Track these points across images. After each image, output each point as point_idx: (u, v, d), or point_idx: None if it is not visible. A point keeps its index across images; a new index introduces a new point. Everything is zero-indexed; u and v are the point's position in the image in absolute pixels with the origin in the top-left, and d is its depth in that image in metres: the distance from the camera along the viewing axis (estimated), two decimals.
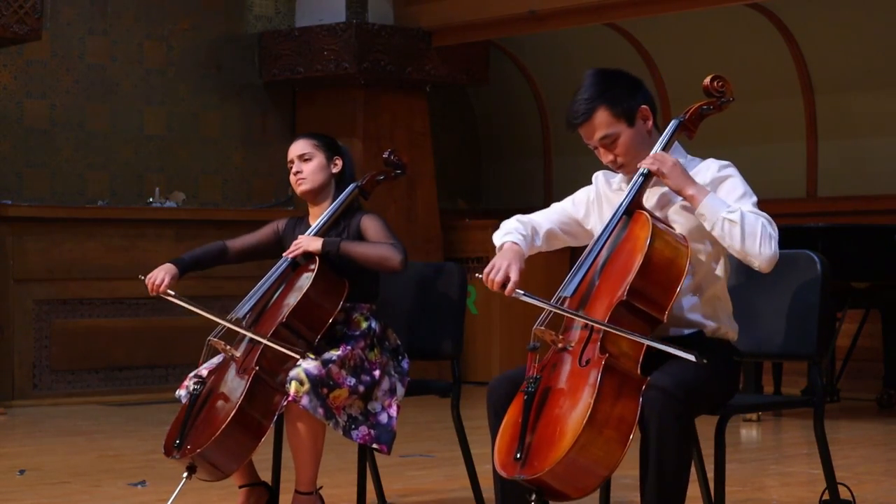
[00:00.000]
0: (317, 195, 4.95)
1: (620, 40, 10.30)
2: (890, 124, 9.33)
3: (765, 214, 3.83)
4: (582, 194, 4.19)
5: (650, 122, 3.97)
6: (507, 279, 3.89)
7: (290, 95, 10.36)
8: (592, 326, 3.73)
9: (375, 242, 4.81)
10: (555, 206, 4.22)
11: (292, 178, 4.98)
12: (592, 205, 4.15)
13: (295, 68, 9.98)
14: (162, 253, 9.51)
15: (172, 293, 4.83)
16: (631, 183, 3.92)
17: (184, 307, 4.78)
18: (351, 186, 4.96)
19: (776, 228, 3.84)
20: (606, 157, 3.97)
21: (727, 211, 3.78)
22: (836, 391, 8.59)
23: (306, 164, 4.94)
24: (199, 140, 10.00)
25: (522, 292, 3.82)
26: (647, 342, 3.70)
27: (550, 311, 3.77)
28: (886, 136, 9.35)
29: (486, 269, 3.91)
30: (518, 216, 4.17)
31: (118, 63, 9.64)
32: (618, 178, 4.10)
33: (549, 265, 10.25)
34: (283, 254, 4.90)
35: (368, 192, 5.00)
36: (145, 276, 4.85)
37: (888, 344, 8.60)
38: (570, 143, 11.00)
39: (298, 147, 4.98)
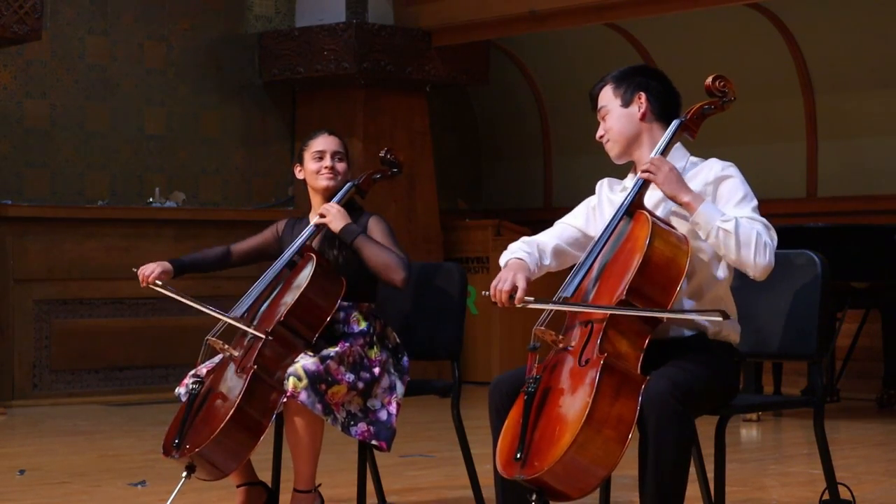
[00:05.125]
0: (334, 193, 4.95)
1: (620, 40, 10.30)
2: (890, 124, 9.32)
3: (762, 220, 3.85)
4: (582, 206, 4.23)
5: (643, 110, 4.00)
6: (514, 289, 3.90)
7: (290, 95, 10.36)
8: (592, 326, 3.73)
9: (387, 248, 4.81)
10: (557, 224, 4.25)
11: (322, 171, 4.95)
12: (593, 211, 4.18)
13: (295, 68, 9.98)
14: (162, 253, 9.47)
15: (160, 283, 4.87)
16: (632, 185, 3.95)
17: (175, 299, 4.82)
18: (348, 185, 4.97)
19: (774, 234, 3.85)
20: (599, 131, 4.08)
21: (721, 220, 3.79)
22: (836, 391, 8.58)
23: (340, 163, 4.98)
24: (199, 140, 9.99)
25: (532, 299, 3.85)
26: (666, 315, 3.72)
27: (550, 311, 3.78)
28: (886, 136, 9.35)
29: (493, 283, 3.92)
30: (523, 238, 4.20)
31: (118, 63, 9.64)
32: (621, 182, 4.14)
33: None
34: (311, 218, 4.94)
35: (365, 192, 5.01)
36: (138, 268, 4.91)
37: (888, 344, 8.60)
38: (570, 143, 11.00)
39: (335, 143, 4.99)
